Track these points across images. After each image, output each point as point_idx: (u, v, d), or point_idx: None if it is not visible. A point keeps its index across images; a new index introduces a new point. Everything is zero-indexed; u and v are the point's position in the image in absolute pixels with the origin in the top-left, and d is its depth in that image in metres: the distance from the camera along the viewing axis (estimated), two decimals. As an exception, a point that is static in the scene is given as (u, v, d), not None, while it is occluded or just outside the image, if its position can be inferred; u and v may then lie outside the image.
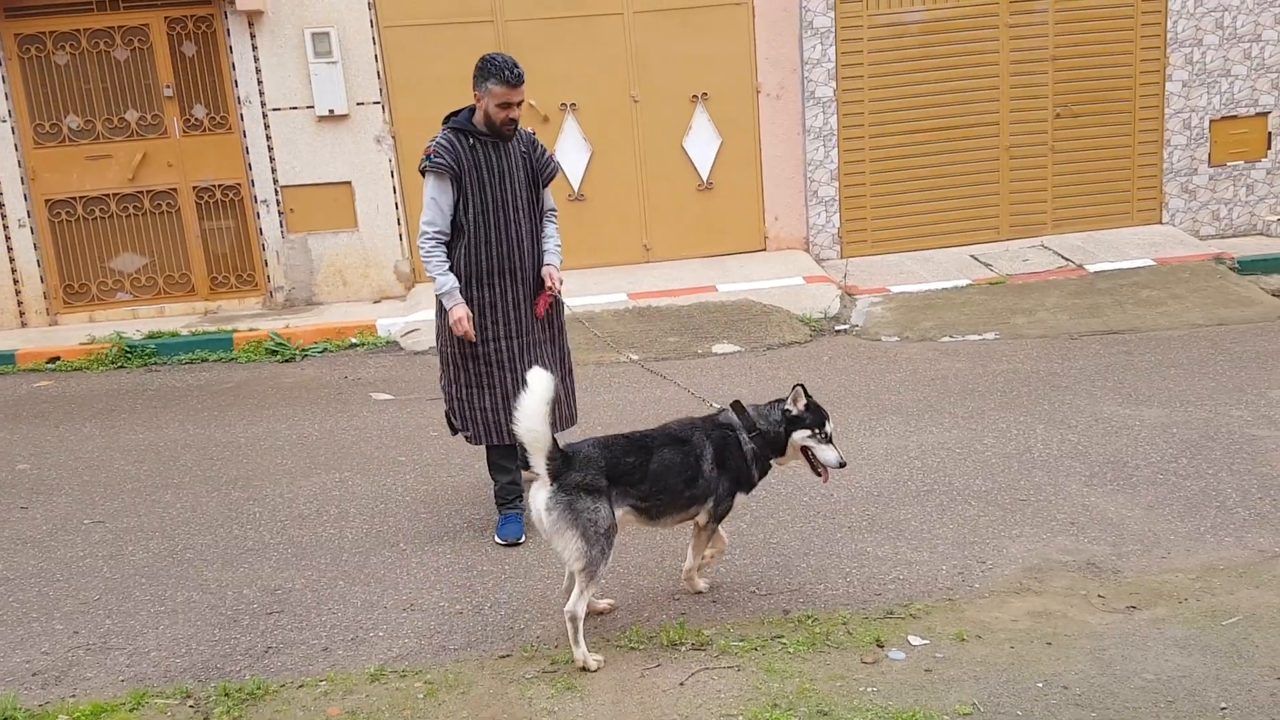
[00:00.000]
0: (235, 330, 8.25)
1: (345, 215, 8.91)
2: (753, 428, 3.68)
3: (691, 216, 9.23)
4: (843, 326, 7.97)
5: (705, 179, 9.19)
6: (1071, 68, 9.28)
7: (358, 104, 8.74)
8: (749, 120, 9.14)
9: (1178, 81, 9.33)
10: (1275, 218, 9.51)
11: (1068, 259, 8.99)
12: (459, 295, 4.34)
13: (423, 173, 4.40)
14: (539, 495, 3.43)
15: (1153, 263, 8.74)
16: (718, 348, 7.55)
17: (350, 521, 4.81)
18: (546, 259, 4.52)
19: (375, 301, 8.97)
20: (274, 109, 8.72)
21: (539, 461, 3.35)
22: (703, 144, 9.12)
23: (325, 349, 8.02)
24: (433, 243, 4.37)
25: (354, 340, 8.10)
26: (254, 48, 8.63)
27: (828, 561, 4.09)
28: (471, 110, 4.41)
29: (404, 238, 8.99)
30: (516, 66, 4.26)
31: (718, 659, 3.41)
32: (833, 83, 9.06)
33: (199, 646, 3.79)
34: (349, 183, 8.86)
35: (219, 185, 8.90)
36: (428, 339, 8.00)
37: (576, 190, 9.05)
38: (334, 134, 8.78)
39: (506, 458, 4.50)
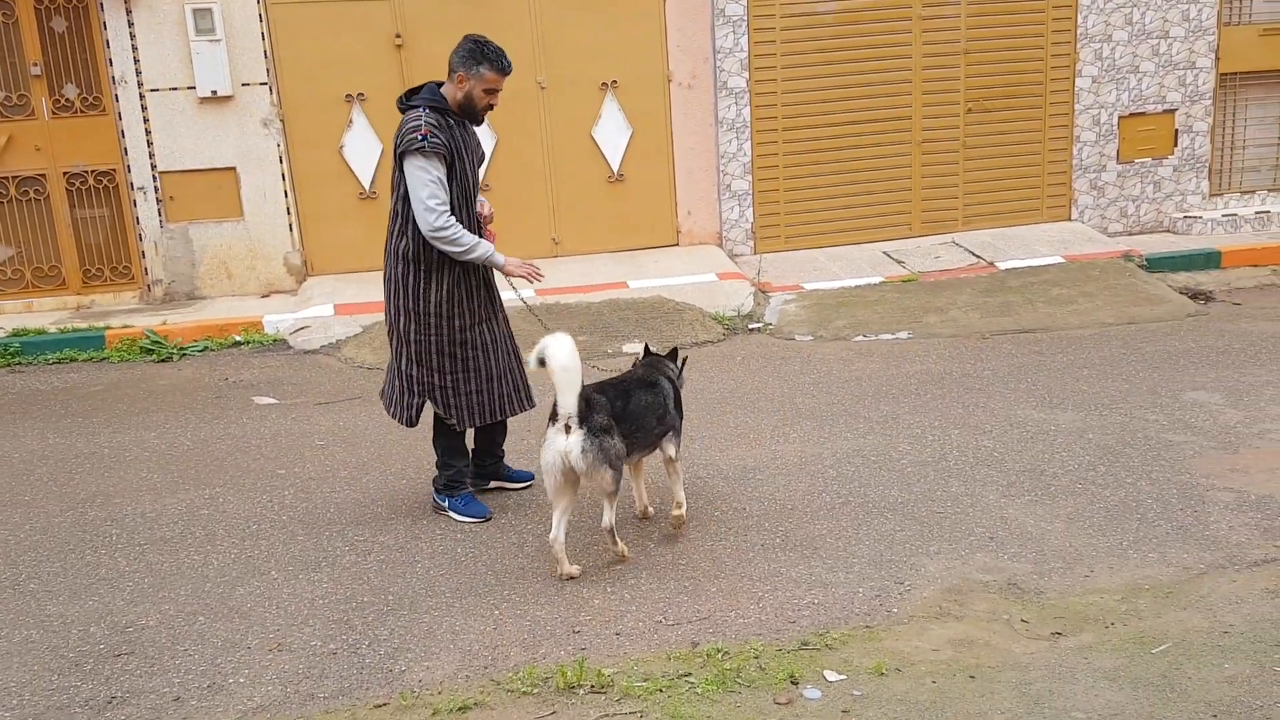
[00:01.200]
0: (108, 327, 7.64)
1: (230, 203, 8.35)
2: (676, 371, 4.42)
3: (602, 209, 8.90)
4: (756, 325, 7.73)
5: (616, 170, 8.86)
6: (983, 62, 9.19)
7: (243, 85, 8.19)
8: (660, 110, 8.83)
9: (1087, 77, 9.31)
10: (1181, 214, 9.57)
11: (979, 256, 8.91)
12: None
13: (405, 155, 4.20)
14: (565, 439, 3.77)
15: (1063, 260, 8.70)
16: (628, 347, 7.24)
17: (218, 545, 4.37)
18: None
19: (263, 296, 8.44)
20: (152, 89, 8.12)
21: (571, 401, 3.75)
22: (613, 134, 8.79)
23: (206, 347, 7.48)
24: (451, 215, 4.23)
25: (238, 338, 7.57)
26: (130, 24, 8.01)
27: (739, 584, 3.81)
28: (436, 87, 4.33)
29: (294, 227, 8.46)
30: (507, 55, 4.36)
31: (619, 703, 3.09)
32: (745, 73, 8.81)
33: (33, 696, 3.34)
34: (234, 168, 8.30)
35: (92, 171, 8.25)
36: (320, 337, 7.53)
37: (481, 179, 8.62)
38: (217, 116, 8.21)
39: (465, 440, 4.62)
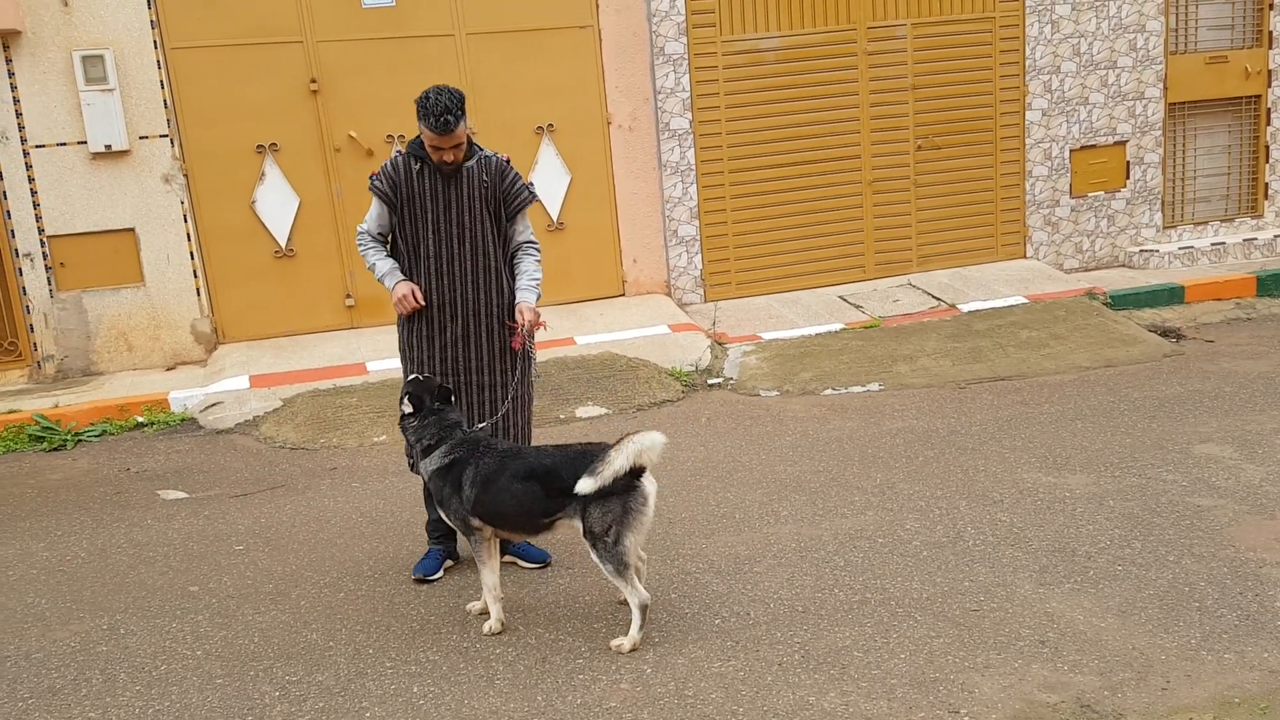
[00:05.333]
0: (-12, 413, 6.75)
1: (129, 268, 7.52)
2: None
3: (543, 260, 8.24)
4: (716, 380, 7.16)
5: (555, 219, 8.25)
6: (932, 96, 8.85)
7: (141, 138, 7.40)
8: (600, 154, 8.27)
9: (1037, 110, 9.04)
10: (1137, 248, 9.32)
11: (939, 298, 8.50)
12: (399, 273, 4.21)
13: None
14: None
15: (1025, 300, 8.35)
16: (582, 411, 6.61)
17: (119, 695, 3.59)
18: (519, 295, 4.31)
19: (169, 369, 7.59)
20: (37, 145, 7.28)
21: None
22: (551, 180, 8.19)
23: (105, 431, 6.63)
24: (366, 238, 4.29)
25: (140, 419, 6.72)
26: (10, 74, 7.18)
27: (763, 723, 3.18)
28: None
29: (202, 291, 7.66)
30: (447, 114, 3.98)
31: None
32: (688, 114, 8.31)
33: None
34: (132, 229, 7.48)
35: (-33, 235, 7.37)
36: (234, 414, 6.74)
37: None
38: (112, 173, 7.40)
39: None
